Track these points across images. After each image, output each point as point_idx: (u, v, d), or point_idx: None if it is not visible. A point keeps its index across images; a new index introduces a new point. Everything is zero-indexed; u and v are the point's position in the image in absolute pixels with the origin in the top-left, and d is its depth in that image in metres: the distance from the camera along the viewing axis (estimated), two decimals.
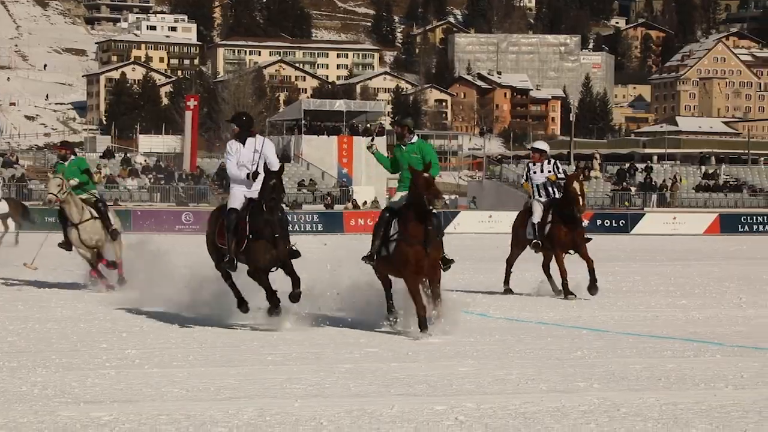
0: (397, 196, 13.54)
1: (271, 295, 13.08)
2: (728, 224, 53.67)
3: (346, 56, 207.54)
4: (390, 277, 13.50)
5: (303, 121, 67.81)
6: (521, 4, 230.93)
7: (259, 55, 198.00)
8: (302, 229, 47.89)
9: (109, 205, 20.38)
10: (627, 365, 10.70)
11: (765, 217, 55.66)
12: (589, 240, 18.19)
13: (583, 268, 17.60)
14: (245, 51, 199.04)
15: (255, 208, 12.90)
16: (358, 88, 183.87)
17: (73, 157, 19.06)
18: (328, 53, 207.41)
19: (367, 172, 65.62)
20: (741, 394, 9.17)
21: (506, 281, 18.49)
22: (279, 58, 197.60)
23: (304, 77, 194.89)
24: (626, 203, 63.43)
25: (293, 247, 13.12)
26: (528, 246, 18.32)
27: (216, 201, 58.19)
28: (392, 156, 13.86)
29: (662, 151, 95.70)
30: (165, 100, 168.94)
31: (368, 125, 69.40)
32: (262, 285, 13.09)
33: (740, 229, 53.45)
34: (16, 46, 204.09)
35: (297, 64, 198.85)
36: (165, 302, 15.06)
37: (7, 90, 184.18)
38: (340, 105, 72.17)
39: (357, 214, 54.54)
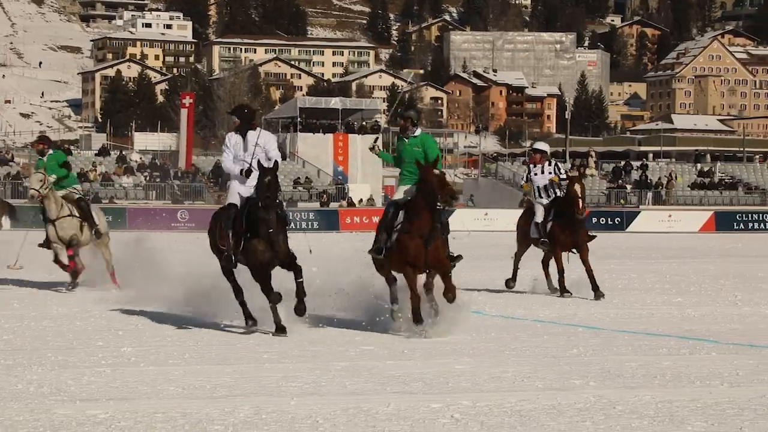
0: (401, 191, 13.23)
1: (270, 293, 12.62)
2: (723, 222, 53.72)
3: (342, 54, 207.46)
4: (393, 273, 13.16)
5: (298, 119, 67.75)
6: (517, 2, 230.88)
7: (255, 52, 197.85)
8: (298, 226, 47.83)
9: (94, 205, 20.07)
10: (623, 363, 10.71)
11: (760, 215, 55.72)
12: (593, 237, 18.21)
13: (581, 265, 17.60)
14: (241, 48, 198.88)
15: (252, 207, 12.63)
16: (353, 86, 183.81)
17: (50, 151, 18.73)
18: (323, 51, 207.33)
19: (363, 170, 65.58)
20: (736, 392, 9.18)
21: (513, 277, 18.53)
22: (274, 55, 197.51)
23: (300, 75, 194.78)
24: (622, 201, 63.45)
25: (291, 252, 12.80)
26: (534, 245, 18.35)
27: (212, 199, 58.21)
28: (395, 150, 13.55)
29: (658, 148, 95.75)
30: (160, 98, 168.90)
31: (364, 123, 69.32)
32: (263, 287, 12.63)
33: (735, 227, 53.50)
34: (11, 43, 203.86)
35: (292, 62, 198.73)
36: (161, 300, 15.05)
37: (2, 87, 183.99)
38: (335, 103, 72.07)
39: (353, 212, 54.54)
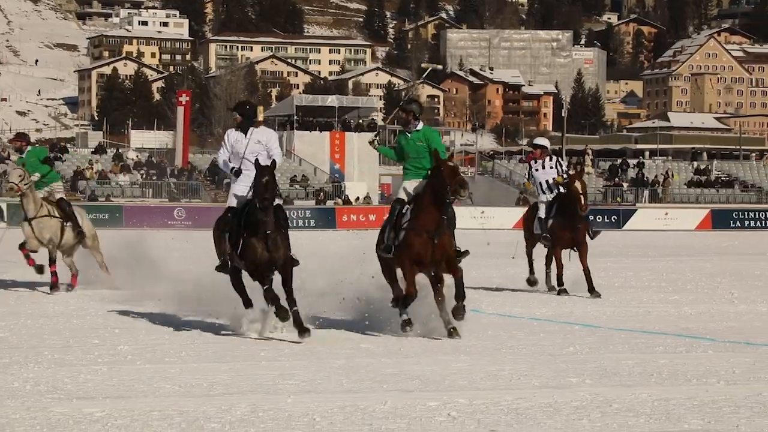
0: (406, 186, 12.74)
1: (268, 292, 12.19)
2: (720, 220, 53.77)
3: (338, 52, 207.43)
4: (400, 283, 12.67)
5: (295, 117, 67.73)
6: (513, 0, 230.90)
7: (251, 50, 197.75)
8: (295, 225, 47.84)
9: (76, 206, 19.48)
10: (619, 361, 10.71)
11: (756, 213, 55.79)
12: (598, 232, 18.15)
13: (579, 264, 17.58)
14: (237, 46, 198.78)
15: (251, 208, 12.15)
16: (350, 84, 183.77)
17: (29, 148, 18.18)
18: (320, 49, 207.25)
19: (360, 168, 65.57)
20: (733, 390, 9.18)
21: (531, 271, 18.44)
22: (271, 53, 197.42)
23: (297, 73, 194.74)
24: (618, 199, 63.48)
25: (292, 256, 12.27)
26: (538, 241, 18.33)
27: (208, 197, 58.22)
28: (396, 145, 13.09)
29: (654, 146, 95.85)
30: (157, 96, 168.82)
31: (360, 121, 69.29)
32: (262, 286, 12.26)
33: (732, 225, 53.55)
34: (7, 41, 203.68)
35: (289, 60, 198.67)
36: (157, 299, 15.04)
37: None
38: (332, 100, 72.04)
39: (349, 210, 54.59)
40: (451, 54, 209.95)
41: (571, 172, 18.26)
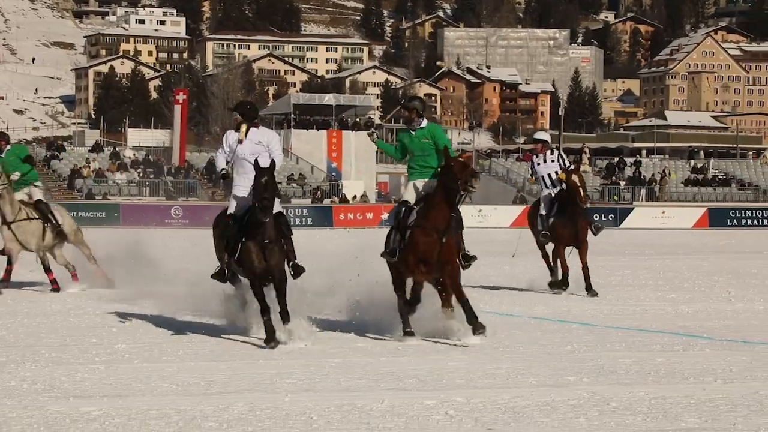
0: (414, 186, 12.26)
1: (264, 311, 11.70)
2: (717, 218, 53.80)
3: (335, 50, 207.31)
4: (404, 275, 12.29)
5: (292, 115, 67.73)
6: None
7: (248, 49, 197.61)
8: (292, 223, 47.86)
9: (56, 204, 19.07)
10: (616, 359, 10.71)
11: (753, 211, 55.83)
12: (600, 228, 18.07)
13: (578, 263, 17.56)
14: (234, 45, 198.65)
15: (250, 210, 11.77)
16: (347, 82, 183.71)
17: (8, 147, 17.81)
18: (317, 47, 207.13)
19: (357, 166, 65.61)
20: (730, 388, 9.19)
21: (551, 270, 18.15)
22: (268, 52, 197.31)
23: (294, 71, 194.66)
24: (615, 197, 63.51)
25: (297, 263, 11.90)
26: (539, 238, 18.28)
27: (205, 195, 58.19)
28: (398, 143, 12.66)
29: (651, 145, 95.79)
30: (154, 94, 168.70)
31: (357, 119, 69.29)
32: (256, 297, 11.81)
33: (729, 223, 53.59)
34: (4, 39, 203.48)
35: (286, 58, 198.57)
36: (154, 297, 15.03)
37: None
38: (329, 99, 72.05)
39: (346, 209, 54.62)
40: (448, 52, 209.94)
41: (572, 167, 18.20)
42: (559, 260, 17.76)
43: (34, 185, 18.05)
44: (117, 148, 67.67)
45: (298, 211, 51.31)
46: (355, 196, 60.35)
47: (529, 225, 18.84)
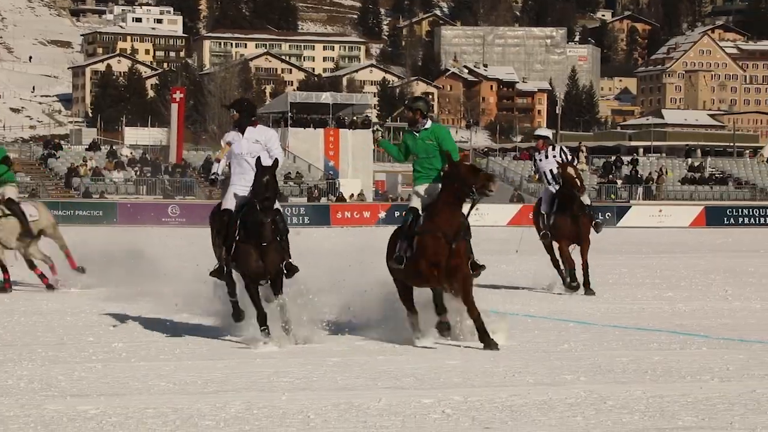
0: (420, 191, 11.94)
1: (260, 316, 11.66)
2: (714, 217, 53.83)
3: (333, 48, 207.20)
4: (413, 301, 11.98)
5: (289, 114, 67.73)
6: None
7: (245, 47, 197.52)
8: (289, 222, 47.85)
9: (35, 200, 19.07)
10: (613, 358, 10.72)
11: (750, 210, 55.86)
12: (601, 225, 18.03)
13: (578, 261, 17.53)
14: (231, 43, 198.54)
15: (248, 208, 11.56)
16: (344, 81, 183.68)
17: None
18: (314, 45, 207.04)
19: (354, 165, 65.60)
20: (727, 387, 9.19)
21: (561, 272, 18.03)
22: (265, 50, 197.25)
23: (291, 70, 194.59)
24: (612, 196, 63.50)
25: (291, 262, 11.78)
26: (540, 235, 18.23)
27: (202, 194, 58.15)
28: (401, 144, 12.29)
29: (648, 143, 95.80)
30: (151, 93, 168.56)
31: (354, 118, 69.29)
32: (254, 304, 11.67)
33: (726, 222, 53.61)
34: (1, 37, 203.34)
35: (283, 57, 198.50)
36: (152, 296, 15.03)
37: None
38: (326, 97, 72.07)
39: (343, 207, 54.62)
40: (445, 51, 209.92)
41: (570, 158, 18.15)
42: (565, 259, 17.64)
43: (9, 184, 17.98)
44: (114, 147, 67.61)
45: (295, 210, 51.32)
46: (352, 195, 60.35)
47: (534, 224, 18.79)
